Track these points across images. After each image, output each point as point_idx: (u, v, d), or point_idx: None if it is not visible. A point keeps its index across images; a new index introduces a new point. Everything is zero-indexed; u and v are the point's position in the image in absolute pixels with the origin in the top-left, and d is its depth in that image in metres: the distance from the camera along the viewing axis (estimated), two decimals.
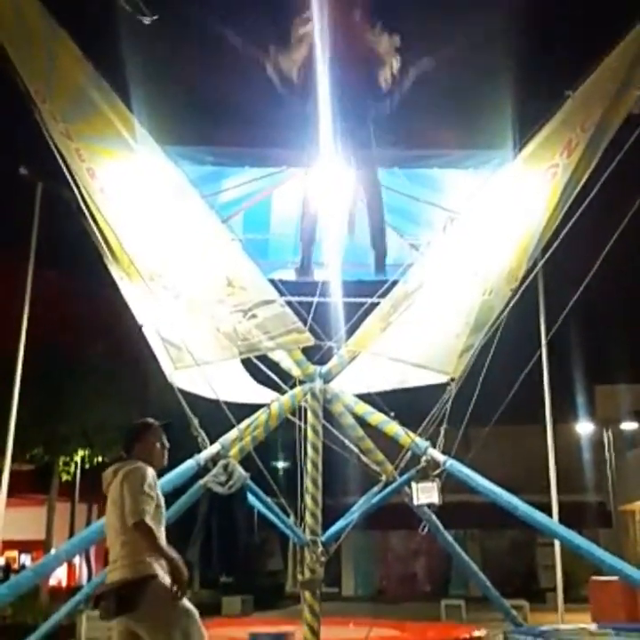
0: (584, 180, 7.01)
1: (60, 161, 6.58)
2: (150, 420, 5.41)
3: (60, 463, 22.09)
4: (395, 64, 6.90)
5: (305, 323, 7.81)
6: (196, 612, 4.79)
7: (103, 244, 7.40)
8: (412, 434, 8.35)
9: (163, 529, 4.89)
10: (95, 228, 7.17)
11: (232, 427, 8.07)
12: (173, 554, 4.73)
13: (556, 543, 11.79)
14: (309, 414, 8.58)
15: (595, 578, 12.33)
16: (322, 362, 8.79)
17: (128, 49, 6.92)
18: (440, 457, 8.11)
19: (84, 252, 8.90)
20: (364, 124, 7.07)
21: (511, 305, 7.79)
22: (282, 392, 8.94)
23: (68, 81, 6.23)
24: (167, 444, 5.32)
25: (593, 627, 7.52)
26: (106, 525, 5.03)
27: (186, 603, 4.76)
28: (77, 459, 22.29)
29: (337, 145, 6.94)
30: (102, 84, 6.27)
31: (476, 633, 11.56)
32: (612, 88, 6.56)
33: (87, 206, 6.97)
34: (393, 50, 6.92)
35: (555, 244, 7.34)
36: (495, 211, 7.26)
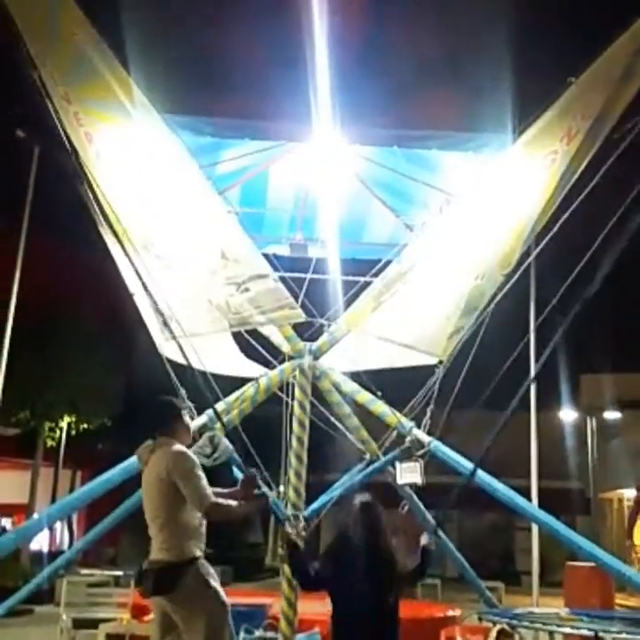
0: (582, 167, 7.02)
1: (58, 124, 6.52)
2: (177, 402, 5.49)
3: (46, 428, 22.14)
4: None
5: (297, 299, 7.82)
6: (228, 605, 4.85)
7: (97, 210, 7.37)
8: (398, 414, 8.40)
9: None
10: (90, 194, 7.13)
11: (219, 399, 8.09)
12: (247, 509, 5.09)
13: (534, 527, 11.93)
14: (297, 390, 8.60)
15: (570, 563, 12.45)
16: (312, 339, 8.80)
17: (131, 15, 6.86)
18: (425, 438, 8.16)
19: (77, 217, 8.86)
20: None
21: (504, 290, 7.81)
22: (271, 367, 8.96)
23: (70, 44, 6.15)
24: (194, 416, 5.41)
25: (565, 611, 7.61)
26: (144, 500, 5.07)
27: (222, 594, 4.81)
28: (63, 425, 22.35)
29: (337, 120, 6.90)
30: (104, 48, 6.20)
31: (451, 612, 11.70)
32: (615, 77, 6.53)
33: (83, 171, 6.91)
34: None
35: (551, 233, 7.35)
36: (492, 195, 7.26)
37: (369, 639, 5.23)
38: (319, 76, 6.55)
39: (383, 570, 5.44)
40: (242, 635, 8.50)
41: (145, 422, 5.46)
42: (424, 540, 6.35)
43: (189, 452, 4.98)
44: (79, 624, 10.49)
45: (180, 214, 7.15)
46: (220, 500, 4.83)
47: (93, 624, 9.95)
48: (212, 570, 4.89)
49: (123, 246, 7.15)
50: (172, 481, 4.79)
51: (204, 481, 4.85)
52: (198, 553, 4.81)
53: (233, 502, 4.91)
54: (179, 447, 4.98)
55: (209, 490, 4.82)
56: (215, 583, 4.83)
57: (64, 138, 6.58)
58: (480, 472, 8.27)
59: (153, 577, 4.80)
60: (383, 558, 5.51)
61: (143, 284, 6.89)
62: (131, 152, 6.82)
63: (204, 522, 4.95)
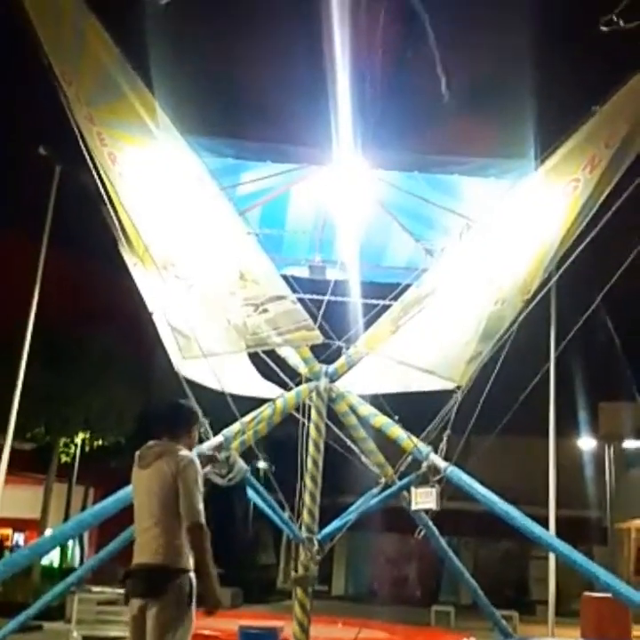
0: (604, 196, 6.99)
1: (82, 144, 6.59)
2: (197, 409, 5.46)
3: (61, 444, 22.18)
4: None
5: (315, 321, 7.81)
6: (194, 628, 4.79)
7: (119, 229, 7.42)
8: (414, 438, 8.35)
9: None
10: (112, 213, 7.18)
11: (235, 419, 8.08)
12: (213, 571, 4.71)
13: (551, 556, 11.79)
14: (313, 412, 8.58)
15: (587, 594, 12.29)
16: (329, 361, 8.79)
17: (155, 36, 6.93)
18: (441, 463, 8.10)
19: (96, 236, 8.93)
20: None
21: (522, 316, 7.77)
22: (287, 388, 8.94)
23: (95, 65, 6.23)
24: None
25: None
26: (138, 504, 5.00)
27: (194, 617, 4.76)
28: (78, 441, 22.39)
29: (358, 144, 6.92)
30: (128, 69, 6.27)
31: None
32: (638, 108, 6.53)
33: (106, 191, 6.97)
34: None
35: (570, 259, 7.33)
36: (513, 221, 7.24)
37: None
38: (341, 101, 6.59)
39: None
40: None
41: (157, 421, 5.43)
42: None
43: (198, 464, 4.94)
44: None
45: (201, 235, 7.18)
46: (208, 534, 4.76)
47: None
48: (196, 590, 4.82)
49: (143, 265, 7.19)
50: (177, 486, 4.76)
51: (201, 498, 4.82)
52: (192, 565, 4.76)
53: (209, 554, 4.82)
54: (189, 455, 4.95)
55: (202, 509, 4.79)
56: (194, 606, 4.76)
57: (87, 158, 6.65)
58: (496, 498, 8.20)
59: (143, 578, 4.75)
60: None
61: (161, 302, 6.92)
62: (153, 173, 6.86)
63: None
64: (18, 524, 27.21)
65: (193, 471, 4.83)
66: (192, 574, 4.70)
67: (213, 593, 4.68)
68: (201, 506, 4.75)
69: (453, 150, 7.57)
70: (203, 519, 4.71)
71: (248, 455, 8.09)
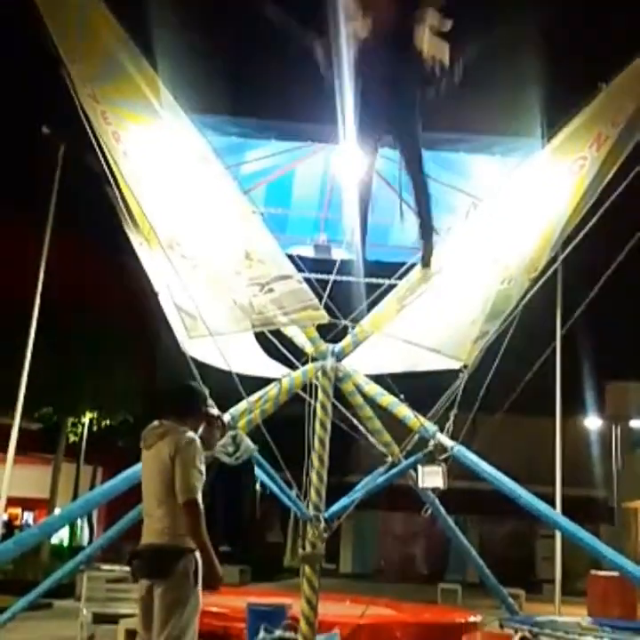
0: (611, 174, 6.94)
1: (86, 123, 6.56)
2: (204, 390, 5.43)
3: (68, 424, 22.30)
4: (440, 47, 6.74)
5: (321, 300, 7.80)
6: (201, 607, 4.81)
7: (124, 208, 7.40)
8: (421, 417, 8.36)
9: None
10: (117, 193, 7.16)
11: (242, 399, 8.10)
12: (210, 547, 4.72)
13: (558, 535, 11.81)
14: (320, 392, 8.58)
15: (594, 572, 12.35)
16: (335, 340, 8.78)
17: (159, 15, 6.87)
18: (448, 442, 8.12)
19: (101, 216, 8.91)
20: (407, 103, 6.94)
21: (529, 295, 7.74)
22: (294, 368, 8.95)
23: (99, 43, 6.19)
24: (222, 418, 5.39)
25: (587, 620, 7.53)
26: (144, 485, 5.02)
27: (200, 597, 4.78)
28: (85, 420, 22.50)
29: (366, 123, 6.86)
30: (132, 47, 6.23)
31: (472, 618, 11.63)
32: None
33: (110, 170, 6.95)
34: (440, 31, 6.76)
35: (578, 237, 7.29)
36: (520, 199, 7.20)
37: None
38: (346, 78, 6.53)
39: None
40: (262, 634, 8.51)
41: (165, 401, 5.43)
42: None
43: (199, 445, 4.93)
44: (99, 619, 10.55)
45: (206, 214, 7.16)
46: (202, 511, 4.76)
47: (113, 619, 10.00)
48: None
49: (149, 245, 7.17)
50: (176, 468, 4.77)
51: (200, 477, 4.82)
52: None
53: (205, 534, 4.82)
54: (190, 435, 4.94)
55: (200, 487, 4.79)
56: (200, 585, 4.78)
57: (91, 137, 6.62)
58: (503, 477, 8.22)
59: (148, 559, 4.78)
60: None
61: (167, 282, 6.91)
62: (158, 151, 6.83)
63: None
64: (27, 504, 27.43)
65: (191, 450, 4.83)
66: (197, 554, 4.73)
67: (212, 569, 4.71)
68: (196, 483, 4.75)
69: (460, 128, 7.52)
70: (197, 496, 4.71)
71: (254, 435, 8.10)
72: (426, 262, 7.49)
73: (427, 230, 7.39)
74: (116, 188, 7.14)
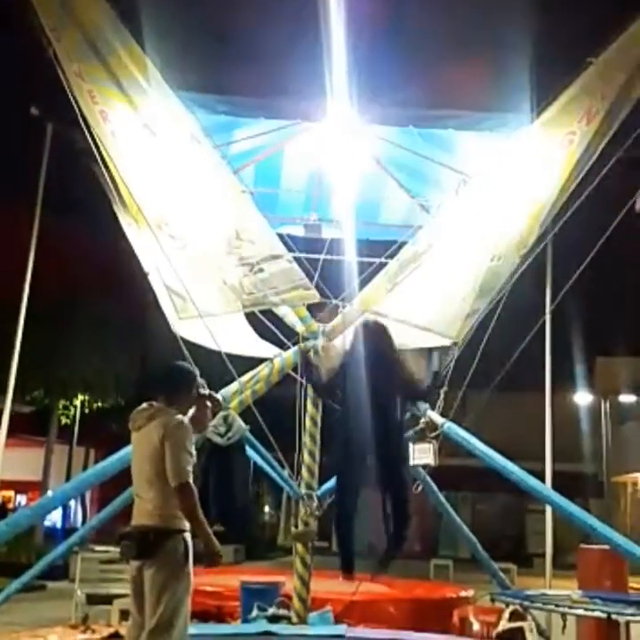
0: (600, 148, 6.93)
1: (73, 102, 6.49)
2: (195, 370, 5.41)
3: (60, 406, 22.28)
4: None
5: (311, 279, 7.79)
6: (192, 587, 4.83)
7: (113, 189, 7.35)
8: None
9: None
10: (105, 173, 7.11)
11: (233, 379, 8.10)
12: (206, 526, 4.75)
13: (548, 509, 11.90)
14: None
15: (584, 546, 12.42)
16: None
17: None
18: (438, 419, 8.15)
19: (92, 197, 8.84)
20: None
21: (519, 272, 7.75)
22: (285, 348, 8.95)
23: (85, 20, 6.10)
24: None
25: (578, 593, 7.61)
26: (134, 467, 5.03)
27: (191, 577, 4.79)
28: (77, 403, 22.48)
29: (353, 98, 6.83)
30: (118, 25, 6.15)
31: (464, 593, 11.74)
32: (634, 57, 6.43)
33: (98, 150, 6.89)
34: None
35: (567, 214, 7.29)
36: (509, 175, 7.18)
37: (375, 450, 5.80)
38: (335, 55, 6.47)
39: (390, 379, 6.16)
40: (255, 611, 8.58)
41: (155, 383, 5.42)
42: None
43: (189, 428, 4.93)
44: (93, 599, 10.61)
45: (195, 194, 7.12)
46: (195, 492, 4.78)
47: (107, 600, 10.05)
48: (192, 550, 4.84)
49: (137, 225, 7.12)
50: (165, 449, 4.77)
51: (190, 460, 4.82)
52: (187, 526, 4.79)
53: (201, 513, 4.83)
54: (179, 417, 4.94)
55: (190, 469, 4.80)
56: (191, 564, 4.80)
57: (79, 116, 6.56)
58: (494, 453, 8.27)
59: (137, 540, 4.79)
60: (389, 368, 6.20)
61: (156, 263, 6.88)
62: (145, 131, 6.77)
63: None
64: (20, 487, 27.44)
65: (180, 432, 4.83)
66: (187, 534, 4.74)
67: (211, 547, 4.73)
68: (187, 466, 4.76)
69: (448, 104, 7.48)
70: (189, 478, 4.73)
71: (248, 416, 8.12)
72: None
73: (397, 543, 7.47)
74: (103, 168, 7.09)
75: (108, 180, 7.18)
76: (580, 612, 6.81)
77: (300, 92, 7.41)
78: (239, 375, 8.18)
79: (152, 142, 6.83)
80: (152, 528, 4.76)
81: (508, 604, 7.82)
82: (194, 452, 4.90)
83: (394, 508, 6.91)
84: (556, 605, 6.85)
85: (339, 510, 7.04)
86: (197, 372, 5.39)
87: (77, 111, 6.49)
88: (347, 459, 6.72)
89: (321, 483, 8.69)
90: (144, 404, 5.10)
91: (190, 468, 4.78)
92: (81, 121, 6.61)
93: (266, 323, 9.29)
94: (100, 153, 6.87)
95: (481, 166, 7.51)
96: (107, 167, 7.07)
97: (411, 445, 8.09)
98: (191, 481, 4.74)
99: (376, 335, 7.04)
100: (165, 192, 7.16)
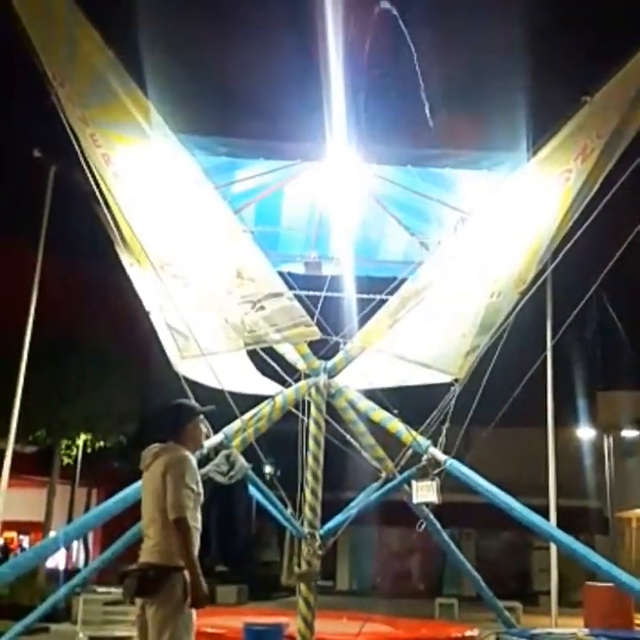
0: (597, 186, 7.01)
1: (76, 146, 6.60)
2: (196, 405, 5.43)
3: (62, 446, 22.19)
4: None
5: (312, 317, 7.83)
6: (195, 626, 4.82)
7: (115, 229, 7.43)
8: (413, 432, 8.38)
9: (199, 516, 4.89)
10: (108, 214, 7.19)
11: (235, 417, 8.10)
12: (197, 566, 4.71)
13: (552, 546, 11.82)
14: (313, 408, 8.61)
15: (589, 583, 12.34)
16: (328, 356, 8.82)
17: (147, 37, 6.93)
18: (441, 456, 8.13)
19: (93, 237, 8.94)
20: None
21: (519, 308, 7.79)
22: (286, 385, 8.97)
23: (87, 66, 6.23)
24: (211, 434, 5.30)
25: (584, 632, 7.53)
26: (142, 506, 5.04)
27: (193, 613, 4.78)
28: (79, 442, 22.39)
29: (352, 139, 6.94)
30: (120, 70, 6.28)
31: (469, 632, 11.60)
32: (629, 96, 6.54)
33: (100, 192, 6.98)
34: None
35: (565, 249, 7.35)
36: (507, 213, 7.26)
37: None
38: (334, 97, 6.60)
39: None
40: None
41: (157, 425, 5.43)
42: None
43: (191, 462, 4.94)
44: None
45: (197, 234, 7.20)
46: (193, 525, 4.78)
47: None
48: None
49: (140, 265, 7.19)
50: (166, 486, 4.78)
51: (191, 494, 4.82)
52: None
53: (196, 547, 4.82)
54: (182, 453, 4.95)
55: (191, 504, 4.80)
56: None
57: (82, 159, 6.66)
58: (497, 490, 8.23)
59: (137, 578, 4.78)
60: None
61: (159, 302, 6.93)
62: (148, 173, 6.87)
63: (198, 534, 4.90)
64: (22, 527, 27.24)
65: (181, 468, 4.83)
66: (186, 572, 4.74)
67: (198, 588, 4.71)
68: (185, 501, 4.75)
69: (446, 144, 7.59)
70: (185, 514, 4.72)
71: (250, 455, 8.10)
72: None
73: None
74: (105, 210, 7.17)
75: (111, 221, 7.26)
76: None
77: (299, 134, 7.53)
78: (241, 413, 8.18)
79: (154, 184, 6.93)
80: (152, 565, 4.76)
81: None
82: (196, 488, 4.90)
83: None
84: None
85: None
86: (199, 408, 5.40)
87: (80, 154, 6.59)
88: None
89: (324, 521, 8.64)
90: (154, 444, 5.13)
91: (190, 504, 4.78)
92: (83, 164, 6.71)
93: (267, 360, 9.31)
94: (102, 195, 6.96)
95: (479, 204, 7.60)
96: (109, 208, 7.16)
97: (413, 483, 8.07)
98: (188, 516, 4.74)
99: None
100: (168, 232, 7.24)
